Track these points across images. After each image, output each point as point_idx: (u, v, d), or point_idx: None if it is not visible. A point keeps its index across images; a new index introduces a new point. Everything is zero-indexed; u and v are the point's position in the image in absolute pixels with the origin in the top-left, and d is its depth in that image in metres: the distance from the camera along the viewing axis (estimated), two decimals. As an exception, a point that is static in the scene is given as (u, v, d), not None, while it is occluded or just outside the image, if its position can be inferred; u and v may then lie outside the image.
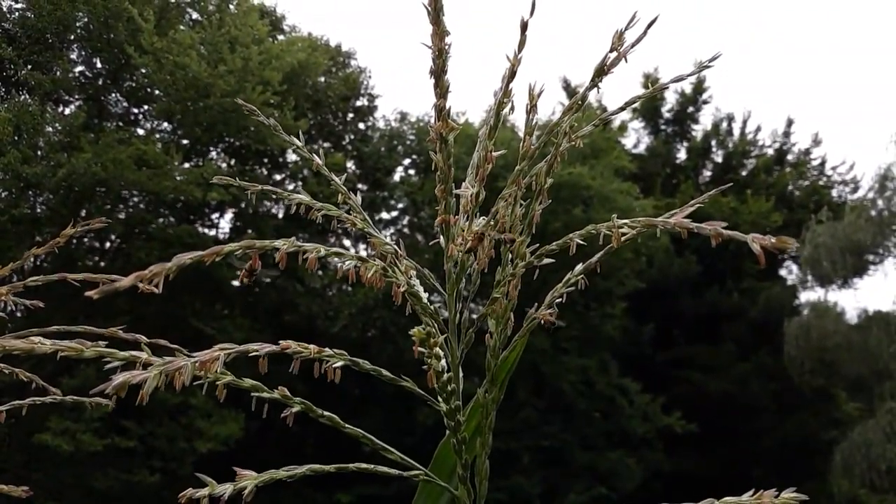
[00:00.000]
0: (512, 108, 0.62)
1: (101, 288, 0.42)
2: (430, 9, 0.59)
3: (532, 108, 0.64)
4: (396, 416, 10.27)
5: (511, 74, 0.61)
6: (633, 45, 0.59)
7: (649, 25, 0.59)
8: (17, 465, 8.33)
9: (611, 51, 0.60)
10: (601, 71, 0.60)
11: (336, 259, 0.54)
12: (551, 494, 10.72)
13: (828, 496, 10.96)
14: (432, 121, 0.64)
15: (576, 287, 0.60)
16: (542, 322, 0.59)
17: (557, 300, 0.60)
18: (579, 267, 0.61)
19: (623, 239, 0.54)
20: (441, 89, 0.60)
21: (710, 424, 12.16)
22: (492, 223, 0.62)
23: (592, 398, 11.58)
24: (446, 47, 0.60)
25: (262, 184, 0.71)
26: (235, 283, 10.75)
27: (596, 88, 0.61)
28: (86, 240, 10.33)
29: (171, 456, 9.08)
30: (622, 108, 0.66)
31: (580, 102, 0.60)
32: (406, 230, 12.19)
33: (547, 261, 0.60)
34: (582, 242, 0.59)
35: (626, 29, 0.59)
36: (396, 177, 12.28)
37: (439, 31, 0.60)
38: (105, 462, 8.73)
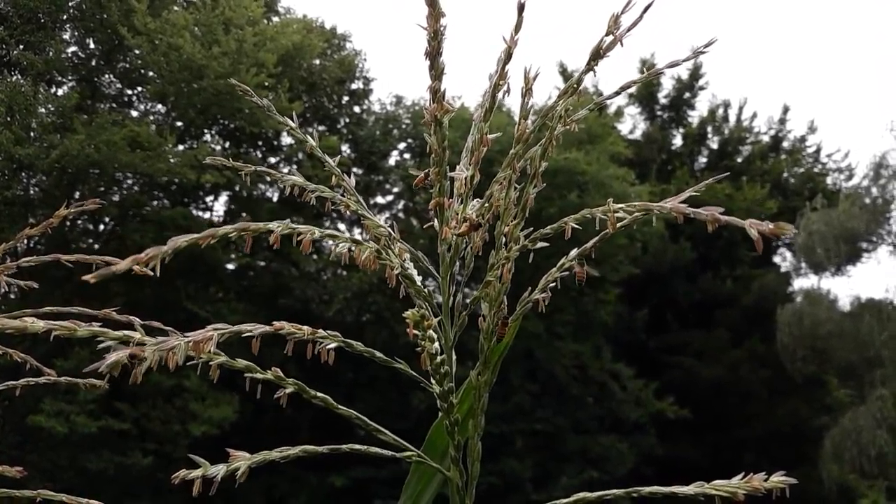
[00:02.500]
0: (508, 91, 0.62)
1: (98, 272, 0.42)
2: (425, -10, 0.59)
3: (527, 92, 0.63)
4: (391, 400, 10.31)
5: (507, 56, 0.61)
6: (629, 29, 0.59)
7: (645, 9, 0.59)
8: (12, 447, 8.35)
9: (607, 34, 0.60)
10: (597, 54, 0.60)
11: (330, 241, 0.54)
12: (544, 478, 10.79)
13: (818, 481, 11.06)
14: (427, 103, 0.64)
15: (569, 272, 0.60)
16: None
17: (551, 284, 0.60)
18: (574, 252, 0.61)
19: (619, 224, 0.54)
20: (436, 71, 0.60)
21: (702, 410, 12.24)
22: (486, 206, 0.62)
23: (585, 383, 11.64)
24: (441, 29, 0.60)
25: (255, 165, 0.71)
26: (230, 266, 10.74)
27: (592, 73, 0.61)
28: (79, 222, 10.29)
29: (165, 438, 9.10)
30: (617, 93, 0.66)
31: (575, 86, 0.60)
32: (401, 214, 12.17)
33: (541, 244, 0.60)
34: (577, 227, 0.59)
35: (622, 13, 0.59)
36: (391, 161, 12.26)
37: (434, 13, 0.59)
38: (99, 444, 8.75)
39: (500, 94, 0.62)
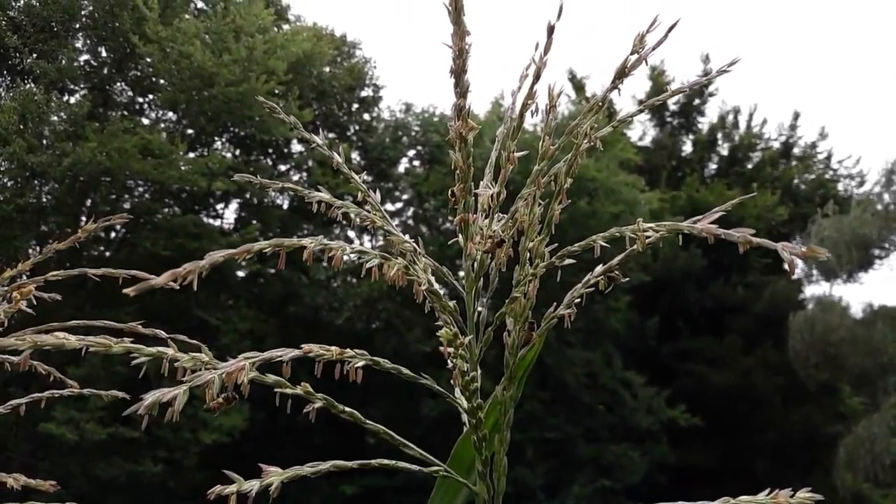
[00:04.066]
0: (536, 111, 0.62)
1: (137, 286, 0.43)
2: (450, 8, 0.59)
3: (551, 109, 0.64)
4: (401, 407, 10.30)
5: (536, 76, 0.61)
6: (653, 49, 0.60)
7: (670, 29, 0.60)
8: (24, 454, 8.38)
9: (632, 53, 0.60)
10: (622, 73, 0.60)
11: (360, 257, 0.55)
12: (555, 486, 10.75)
13: (831, 490, 10.97)
14: (445, 116, 0.64)
15: (594, 287, 0.61)
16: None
17: (576, 300, 0.61)
18: (599, 268, 0.61)
19: (647, 242, 0.54)
20: (461, 89, 0.61)
21: (714, 417, 12.17)
22: (510, 223, 0.63)
23: (597, 391, 11.59)
24: (467, 47, 0.60)
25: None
26: (240, 273, 10.77)
27: (617, 91, 0.61)
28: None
29: (176, 446, 9.11)
30: (640, 111, 0.67)
31: (600, 104, 0.61)
32: (410, 222, 12.19)
33: (568, 261, 0.60)
34: (606, 245, 0.59)
35: (646, 32, 0.59)
36: (401, 168, 12.29)
37: (459, 31, 0.60)
38: (110, 451, 8.77)
39: (527, 114, 0.62)
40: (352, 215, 0.66)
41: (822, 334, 11.62)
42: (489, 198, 0.61)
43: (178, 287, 0.65)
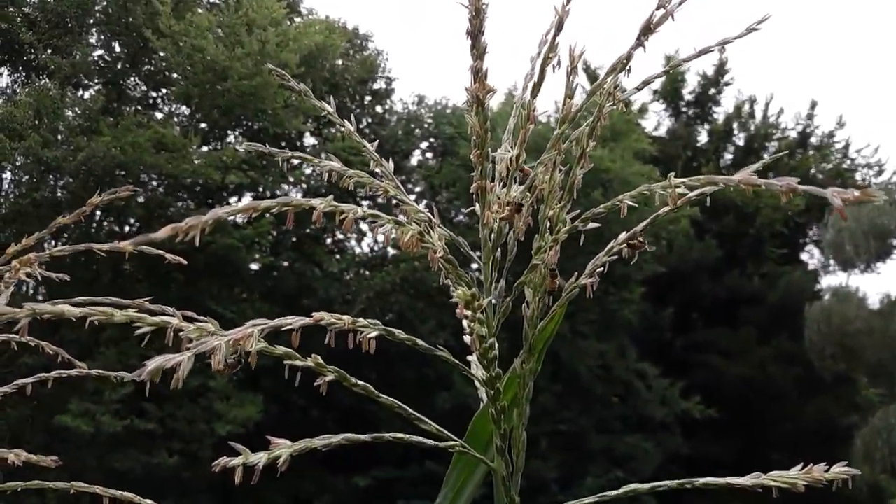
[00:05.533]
0: (558, 64, 0.60)
1: (135, 238, 0.41)
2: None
3: (573, 70, 0.61)
4: (414, 401, 10.13)
5: (558, 27, 0.58)
6: (681, 3, 0.57)
7: (697, -19, 0.57)
8: (40, 447, 8.43)
9: (657, 8, 0.57)
10: (647, 29, 0.58)
11: (372, 221, 0.52)
12: (569, 478, 10.72)
13: (847, 481, 10.89)
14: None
15: (618, 256, 0.58)
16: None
17: (599, 269, 0.58)
18: (623, 235, 0.58)
19: (680, 201, 0.51)
20: (478, 50, 0.58)
21: (729, 409, 12.10)
22: (529, 189, 0.60)
23: (610, 382, 11.55)
24: (483, 7, 0.58)
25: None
26: (254, 266, 10.79)
27: (642, 48, 0.58)
28: (105, 224, 10.41)
29: (191, 438, 9.16)
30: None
31: (625, 62, 0.58)
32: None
33: (592, 225, 0.58)
34: (633, 204, 0.56)
35: (673, -15, 0.57)
36: (414, 160, 12.27)
37: (476, -10, 0.58)
38: (125, 443, 8.83)
39: (549, 69, 0.60)
40: (378, 185, 0.64)
41: (838, 325, 11.52)
42: (508, 162, 0.58)
43: (183, 262, 0.63)
